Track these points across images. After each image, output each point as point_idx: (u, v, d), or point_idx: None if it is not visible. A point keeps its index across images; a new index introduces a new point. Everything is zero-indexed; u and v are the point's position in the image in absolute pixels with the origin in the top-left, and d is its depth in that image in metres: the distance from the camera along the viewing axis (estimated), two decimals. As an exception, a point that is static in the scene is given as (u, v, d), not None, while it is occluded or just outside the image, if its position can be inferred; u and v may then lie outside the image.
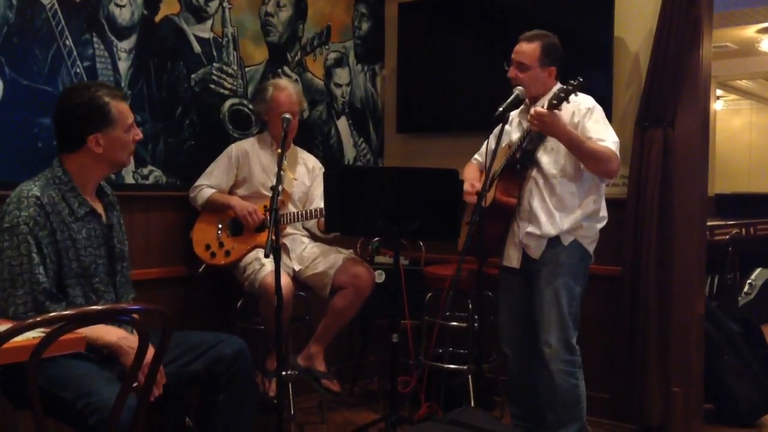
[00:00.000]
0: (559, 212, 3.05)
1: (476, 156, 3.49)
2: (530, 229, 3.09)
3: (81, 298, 2.33)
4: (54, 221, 2.27)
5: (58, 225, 2.28)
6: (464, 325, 3.68)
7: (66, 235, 2.30)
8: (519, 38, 3.16)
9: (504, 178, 3.15)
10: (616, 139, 3.02)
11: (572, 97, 2.98)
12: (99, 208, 2.45)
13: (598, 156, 2.96)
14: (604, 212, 3.15)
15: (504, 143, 3.21)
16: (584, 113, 3.04)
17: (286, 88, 3.55)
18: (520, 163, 3.13)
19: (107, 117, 2.33)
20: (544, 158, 3.09)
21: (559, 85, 3.14)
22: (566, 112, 3.05)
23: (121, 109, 2.37)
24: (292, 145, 3.69)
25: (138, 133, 2.46)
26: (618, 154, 3.00)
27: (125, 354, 2.22)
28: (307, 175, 3.71)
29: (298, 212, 3.53)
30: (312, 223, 3.62)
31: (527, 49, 3.11)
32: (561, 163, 3.06)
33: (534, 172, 3.11)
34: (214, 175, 3.52)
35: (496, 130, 3.25)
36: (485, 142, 3.37)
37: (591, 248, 3.13)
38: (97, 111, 2.32)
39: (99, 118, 2.33)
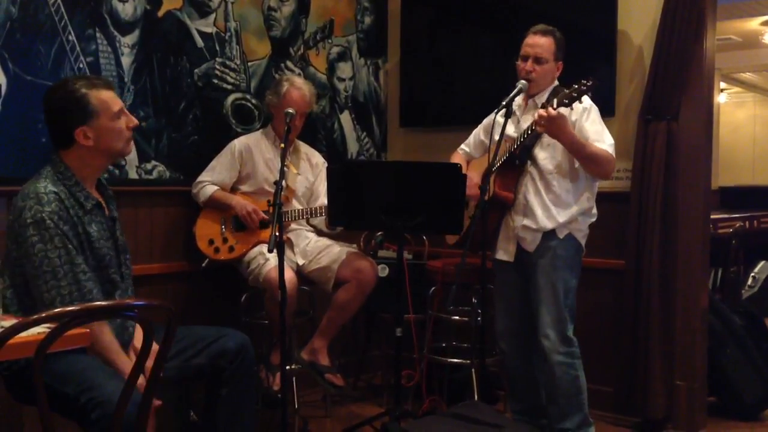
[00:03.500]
0: (555, 207, 3.06)
1: (463, 146, 3.46)
2: (526, 222, 3.10)
3: (97, 289, 2.33)
4: (73, 216, 2.28)
5: (77, 220, 2.29)
6: (467, 319, 3.68)
7: (81, 229, 2.30)
8: (531, 31, 3.13)
9: (501, 173, 3.14)
10: (611, 140, 3.03)
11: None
12: (101, 201, 2.45)
13: (597, 159, 2.97)
14: (595, 209, 3.16)
15: (496, 135, 3.20)
16: (581, 112, 3.02)
17: (301, 87, 3.55)
18: (519, 159, 3.12)
19: (87, 109, 2.31)
20: (541, 154, 3.09)
21: (556, 83, 3.14)
22: (561, 110, 3.03)
23: (102, 98, 2.34)
24: (295, 140, 3.69)
25: (132, 120, 2.42)
26: (614, 156, 3.01)
27: None
28: (310, 171, 3.71)
29: (302, 209, 3.54)
30: (319, 220, 3.60)
31: (544, 42, 3.09)
32: (558, 159, 3.06)
33: (530, 167, 3.11)
34: (217, 171, 3.52)
35: (486, 120, 3.26)
36: (473, 133, 3.41)
37: (583, 242, 3.14)
38: (75, 104, 2.30)
39: (79, 111, 2.30)
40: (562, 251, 3.07)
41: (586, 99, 3.03)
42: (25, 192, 2.28)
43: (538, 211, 3.07)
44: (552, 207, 3.06)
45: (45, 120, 2.40)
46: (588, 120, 3.03)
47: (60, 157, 2.36)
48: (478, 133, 3.41)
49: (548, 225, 3.06)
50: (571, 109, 2.94)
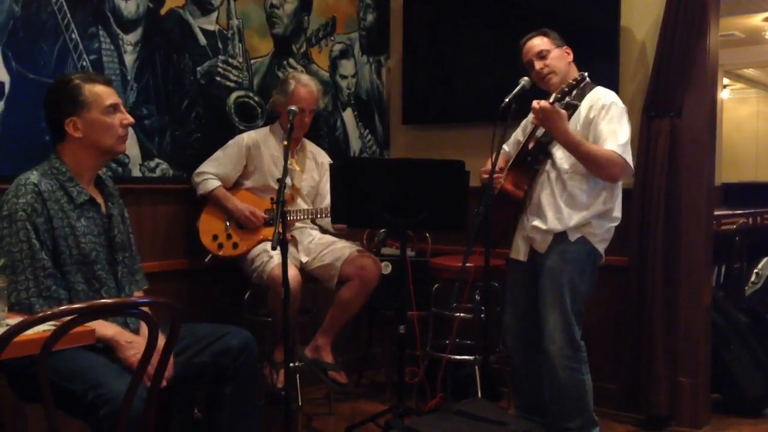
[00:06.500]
0: (568, 208, 3.02)
1: (504, 146, 3.39)
2: (536, 222, 3.08)
3: (83, 284, 2.33)
4: (51, 208, 2.28)
5: (56, 212, 2.28)
6: (470, 316, 3.68)
7: (65, 223, 2.30)
8: (521, 43, 3.18)
9: (515, 170, 3.13)
10: (625, 140, 2.94)
11: (593, 90, 2.97)
12: (98, 197, 2.44)
13: (596, 160, 2.92)
14: (617, 213, 3.07)
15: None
16: (599, 109, 2.99)
17: (308, 85, 3.55)
18: (531, 155, 3.10)
19: (78, 99, 2.32)
20: (558, 152, 3.06)
21: (579, 75, 3.12)
22: (583, 105, 3.03)
23: (96, 91, 2.35)
24: (302, 138, 3.69)
25: (126, 118, 2.41)
26: (624, 157, 2.91)
27: (121, 348, 2.25)
28: (316, 170, 3.71)
29: (307, 209, 3.54)
30: (327, 221, 3.60)
31: (537, 42, 3.13)
32: (573, 159, 3.00)
33: (548, 166, 3.09)
34: (222, 163, 3.50)
35: (525, 121, 3.26)
36: (514, 133, 3.41)
37: (600, 247, 3.07)
38: (68, 95, 2.33)
39: (70, 101, 2.32)
40: (572, 254, 3.03)
41: (608, 96, 3.02)
42: (11, 185, 2.30)
43: (549, 213, 3.04)
44: (564, 208, 3.02)
45: (44, 115, 2.41)
46: (605, 119, 2.97)
47: (57, 153, 2.38)
48: (517, 133, 3.39)
49: (557, 227, 3.03)
50: (564, 103, 2.94)
